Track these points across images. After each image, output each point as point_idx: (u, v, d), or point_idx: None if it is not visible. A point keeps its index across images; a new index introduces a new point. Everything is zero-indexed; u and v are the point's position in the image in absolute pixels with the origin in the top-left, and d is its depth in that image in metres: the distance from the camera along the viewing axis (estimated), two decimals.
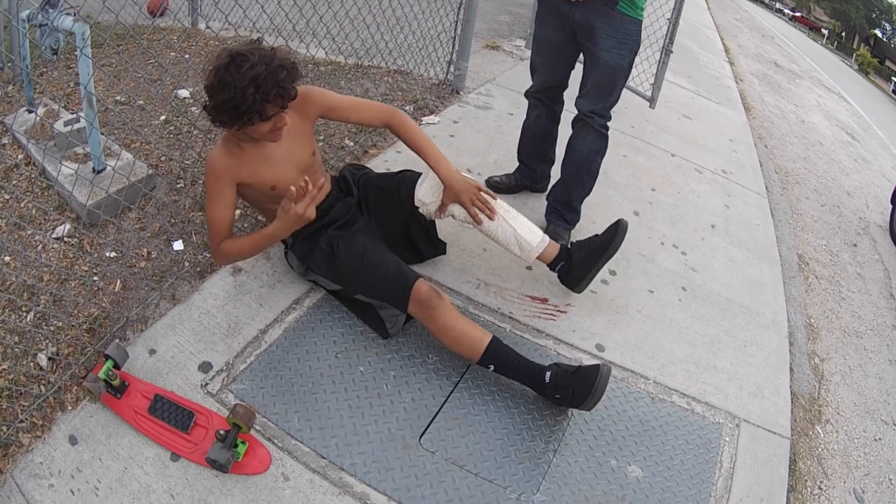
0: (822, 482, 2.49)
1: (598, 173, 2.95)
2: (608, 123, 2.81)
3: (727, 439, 2.35)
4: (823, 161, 6.08)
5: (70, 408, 1.95)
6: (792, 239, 4.16)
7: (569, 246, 2.64)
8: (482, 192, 2.44)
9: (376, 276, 2.25)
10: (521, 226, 2.52)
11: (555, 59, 2.90)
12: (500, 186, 3.33)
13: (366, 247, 2.30)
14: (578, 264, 2.60)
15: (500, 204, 2.51)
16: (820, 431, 2.70)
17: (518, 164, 3.36)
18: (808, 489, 2.42)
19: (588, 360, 2.50)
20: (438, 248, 2.71)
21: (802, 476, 2.44)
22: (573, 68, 2.96)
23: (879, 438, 2.85)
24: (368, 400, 2.15)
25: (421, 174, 2.51)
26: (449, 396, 2.22)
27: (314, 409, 2.08)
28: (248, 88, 1.86)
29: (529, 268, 2.86)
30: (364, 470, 1.95)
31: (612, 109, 2.79)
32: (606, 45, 2.60)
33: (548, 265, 2.65)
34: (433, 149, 2.41)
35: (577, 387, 2.06)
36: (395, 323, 2.33)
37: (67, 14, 2.43)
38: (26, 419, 1.88)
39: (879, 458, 2.76)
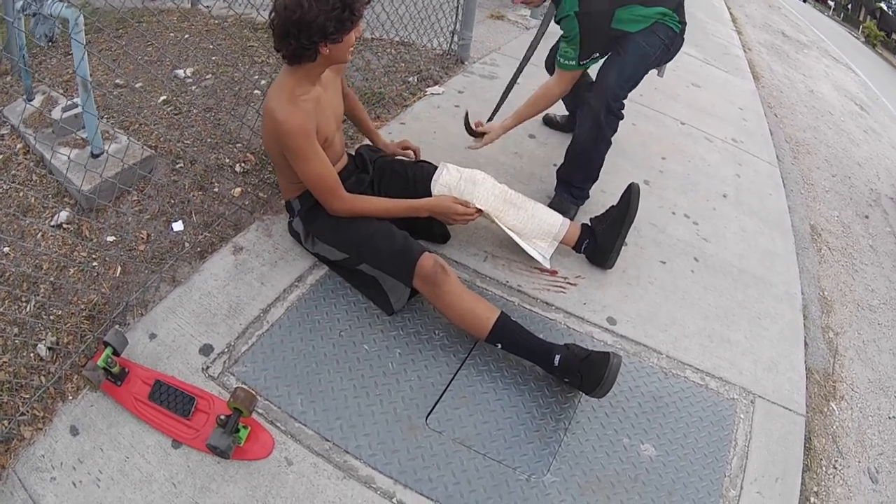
0: (836, 461, 2.39)
1: (600, 161, 2.79)
2: (618, 110, 2.64)
3: (742, 416, 2.24)
4: (833, 131, 5.89)
5: (71, 397, 1.89)
6: (804, 209, 4.01)
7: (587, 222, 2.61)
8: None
9: (382, 246, 2.17)
10: (540, 211, 2.50)
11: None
12: (553, 124, 3.62)
13: (374, 217, 2.24)
14: (603, 238, 2.56)
15: (518, 195, 2.47)
16: (834, 408, 2.59)
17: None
18: (824, 468, 2.32)
19: (599, 335, 2.40)
20: (441, 235, 2.62)
21: (817, 455, 2.34)
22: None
23: (894, 416, 2.74)
24: (373, 379, 2.06)
25: (437, 167, 2.48)
26: (456, 374, 2.12)
27: (318, 389, 1.99)
28: None
29: None
30: (369, 452, 1.87)
31: (623, 100, 2.63)
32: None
33: (573, 247, 2.59)
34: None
35: (586, 374, 1.97)
36: (400, 298, 2.23)
37: (59, 1, 2.35)
38: (27, 412, 1.83)
39: (894, 436, 2.66)
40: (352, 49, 2.06)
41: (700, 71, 5.52)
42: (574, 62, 2.58)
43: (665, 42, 2.59)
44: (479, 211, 2.35)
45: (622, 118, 2.65)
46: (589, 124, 2.62)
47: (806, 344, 2.73)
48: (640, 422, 2.11)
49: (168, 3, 4.50)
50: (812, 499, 2.20)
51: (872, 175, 5.27)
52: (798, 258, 3.28)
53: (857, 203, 4.58)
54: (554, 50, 2.98)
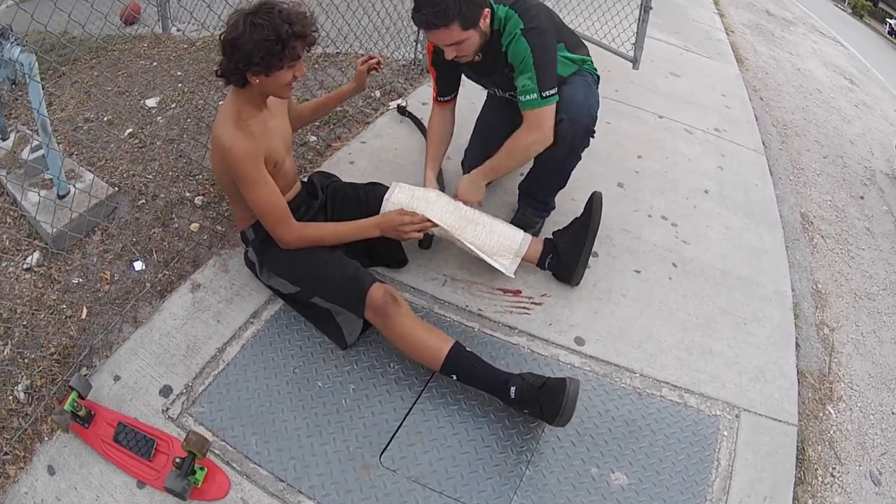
0: (834, 468, 2.28)
1: (568, 175, 2.61)
2: (593, 130, 2.45)
3: (725, 433, 2.13)
4: (823, 109, 5.77)
5: (47, 438, 1.95)
6: (794, 197, 3.89)
7: (550, 236, 2.51)
8: None
9: (332, 277, 2.13)
10: (499, 226, 2.40)
11: (493, 135, 2.71)
12: None
13: (324, 248, 2.20)
14: (565, 253, 2.46)
15: (474, 212, 2.39)
16: (831, 411, 2.47)
17: None
18: (819, 478, 2.21)
19: (566, 357, 2.29)
20: (399, 261, 2.54)
21: (812, 465, 2.23)
22: None
23: None
24: (327, 417, 2.02)
25: (388, 187, 2.40)
26: (411, 408, 2.06)
27: (272, 429, 1.98)
28: (283, 25, 1.86)
29: None
30: (323, 493, 1.83)
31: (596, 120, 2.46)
32: None
33: (536, 264, 2.50)
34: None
35: (544, 404, 1.89)
36: (353, 331, 2.17)
37: (17, 45, 2.40)
38: (10, 451, 1.93)
39: None
40: (290, 87, 2.03)
41: (679, 59, 5.40)
42: (536, 95, 2.27)
43: (595, 82, 2.53)
44: (429, 221, 2.25)
45: (594, 136, 2.48)
46: (559, 145, 2.38)
47: (798, 345, 2.61)
48: (611, 448, 2.01)
49: (140, 28, 4.54)
50: None
51: (866, 151, 5.15)
52: (788, 252, 3.16)
53: (850, 184, 4.45)
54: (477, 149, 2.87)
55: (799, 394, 2.39)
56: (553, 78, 2.28)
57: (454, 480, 1.87)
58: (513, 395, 1.94)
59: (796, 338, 2.63)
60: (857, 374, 2.73)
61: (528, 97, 2.27)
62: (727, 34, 6.71)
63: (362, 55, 2.65)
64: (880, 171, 4.81)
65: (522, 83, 2.27)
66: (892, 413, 2.62)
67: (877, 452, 2.43)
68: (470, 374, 2.01)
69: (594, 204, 2.39)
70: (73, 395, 1.90)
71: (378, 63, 2.60)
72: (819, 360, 2.67)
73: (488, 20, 2.21)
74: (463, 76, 2.62)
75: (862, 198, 4.32)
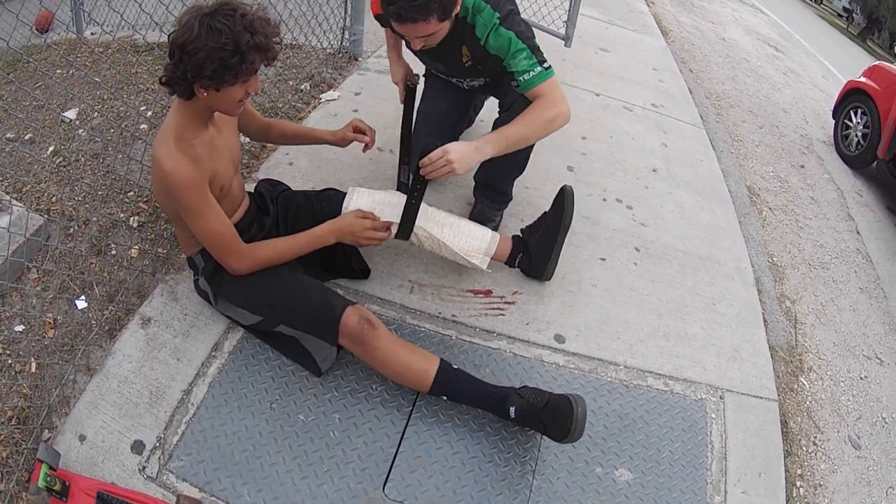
0: (815, 437, 2.50)
1: (527, 159, 2.69)
2: None
3: (713, 416, 2.31)
4: (752, 79, 6.14)
5: None
6: (738, 170, 4.16)
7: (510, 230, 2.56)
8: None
9: (298, 304, 2.08)
10: (467, 226, 2.44)
11: (440, 123, 2.84)
12: None
13: (282, 269, 2.15)
14: (537, 250, 2.54)
15: (438, 212, 2.42)
16: (805, 383, 2.70)
17: None
18: (804, 449, 2.42)
19: (549, 356, 2.40)
20: (362, 270, 2.55)
21: (796, 436, 2.44)
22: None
23: (865, 376, 2.89)
24: (318, 453, 1.99)
25: (345, 193, 2.38)
26: (404, 432, 2.08)
27: (262, 476, 1.92)
28: (244, 34, 1.74)
29: None
30: None
31: None
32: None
33: (506, 262, 2.57)
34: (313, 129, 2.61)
35: (550, 424, 1.96)
36: (327, 356, 2.15)
37: None
38: None
39: (868, 397, 2.80)
40: (242, 105, 1.94)
41: (606, 34, 5.64)
42: (539, 68, 2.23)
43: None
44: (391, 227, 2.28)
45: None
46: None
47: (765, 321, 2.83)
48: (610, 446, 2.14)
49: (54, 35, 4.48)
50: (798, 483, 2.30)
51: (800, 120, 5.51)
52: (742, 227, 3.40)
53: (789, 153, 4.78)
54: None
55: (773, 368, 2.60)
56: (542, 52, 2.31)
57: (465, 503, 1.93)
58: (513, 415, 2.01)
59: (762, 313, 2.85)
60: (822, 343, 2.98)
61: (529, 74, 2.23)
62: (648, 5, 7.03)
63: (284, 43, 2.56)
64: (817, 140, 5.18)
65: (521, 65, 2.24)
66: (861, 378, 2.88)
67: (852, 418, 2.67)
68: (461, 393, 2.07)
69: (566, 198, 2.48)
70: (44, 467, 1.80)
71: (366, 146, 2.55)
72: (786, 334, 2.90)
73: (458, 6, 2.20)
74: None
75: (803, 167, 4.65)
